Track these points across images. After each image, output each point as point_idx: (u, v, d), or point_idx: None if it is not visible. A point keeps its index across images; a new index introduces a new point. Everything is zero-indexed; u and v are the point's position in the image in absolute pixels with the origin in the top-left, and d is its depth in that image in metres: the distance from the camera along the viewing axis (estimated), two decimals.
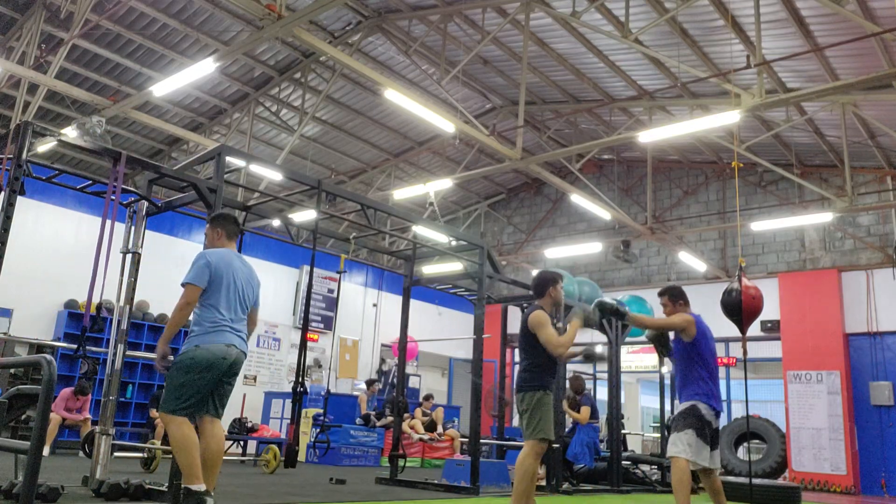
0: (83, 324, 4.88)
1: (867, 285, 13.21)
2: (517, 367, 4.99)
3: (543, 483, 8.20)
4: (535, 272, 5.15)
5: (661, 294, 5.20)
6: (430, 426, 12.51)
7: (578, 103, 13.68)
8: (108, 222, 4.75)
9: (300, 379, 5.97)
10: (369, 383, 13.03)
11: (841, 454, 12.45)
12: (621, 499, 8.06)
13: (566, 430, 9.43)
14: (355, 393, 13.47)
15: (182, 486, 3.87)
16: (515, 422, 17.87)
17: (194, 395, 3.98)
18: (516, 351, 17.80)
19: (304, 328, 6.47)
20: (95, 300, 4.75)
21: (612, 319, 5.20)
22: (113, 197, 4.85)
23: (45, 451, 7.60)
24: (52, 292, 11.32)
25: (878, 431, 12.62)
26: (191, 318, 4.18)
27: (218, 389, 4.11)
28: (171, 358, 4.12)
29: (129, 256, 5.37)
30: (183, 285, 4.10)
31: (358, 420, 12.18)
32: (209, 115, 13.83)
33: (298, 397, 6.00)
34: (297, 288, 15.16)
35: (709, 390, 4.81)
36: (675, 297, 5.07)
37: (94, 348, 10.33)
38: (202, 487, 3.83)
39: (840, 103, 11.14)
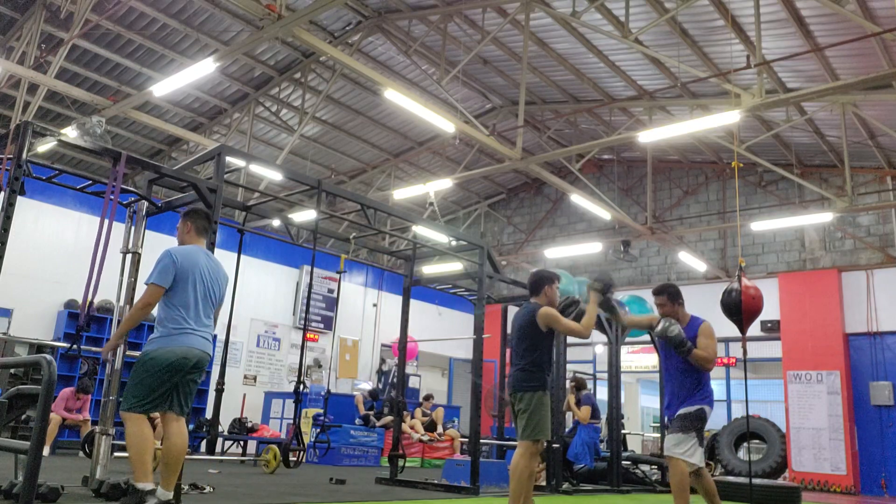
0: (78, 322, 4.89)
1: (867, 285, 13.21)
2: (513, 367, 4.90)
3: (543, 483, 8.21)
4: (532, 270, 5.08)
5: (657, 293, 5.00)
6: (430, 426, 12.50)
7: (578, 103, 13.68)
8: (107, 221, 4.74)
9: (301, 379, 5.99)
10: (373, 394, 13.03)
11: (841, 454, 12.45)
12: (621, 499, 8.06)
13: (567, 430, 9.43)
14: (355, 393, 13.48)
15: (129, 482, 3.91)
16: None
17: (152, 393, 3.98)
18: None
19: (305, 328, 6.48)
20: (97, 301, 4.76)
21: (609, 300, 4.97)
22: (112, 197, 4.85)
23: (45, 451, 7.60)
24: (52, 292, 11.32)
25: (878, 431, 12.62)
26: (155, 315, 4.18)
27: (182, 388, 4.10)
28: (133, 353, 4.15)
29: (128, 256, 5.37)
30: (146, 284, 4.07)
31: (357, 420, 12.19)
32: (209, 115, 13.83)
33: (299, 397, 6.02)
34: (297, 288, 15.16)
35: (712, 392, 4.80)
36: (673, 297, 4.93)
37: (94, 348, 10.34)
38: (148, 486, 3.88)
39: (840, 103, 11.13)
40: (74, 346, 5.11)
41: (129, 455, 3.96)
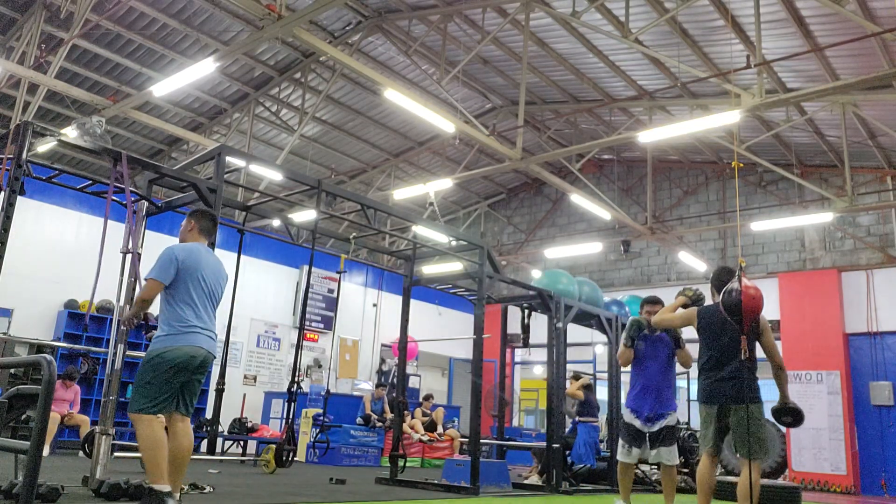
0: (84, 322, 4.91)
1: (867, 285, 13.20)
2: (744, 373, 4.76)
3: (543, 483, 8.20)
4: (719, 267, 5.12)
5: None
6: (430, 426, 12.49)
7: (578, 103, 13.68)
8: (118, 223, 4.75)
9: (295, 378, 6.00)
10: (378, 386, 13.02)
11: (841, 454, 12.44)
12: None
13: (567, 430, 9.43)
14: (356, 393, 13.46)
15: (146, 485, 3.87)
16: (515, 422, 17.84)
17: (162, 394, 3.95)
18: (517, 351, 17.92)
19: (301, 327, 6.49)
20: (97, 301, 4.76)
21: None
22: (121, 200, 4.86)
23: (45, 450, 7.59)
24: (52, 292, 11.31)
25: (878, 431, 12.61)
26: (159, 313, 4.15)
27: (188, 387, 4.09)
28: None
29: (128, 256, 5.36)
30: (146, 280, 4.08)
31: (359, 420, 12.18)
32: (209, 115, 13.83)
33: (293, 396, 6.02)
34: (297, 288, 15.16)
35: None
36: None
37: (94, 348, 10.33)
38: (165, 488, 3.83)
39: (840, 103, 11.14)
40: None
41: (142, 457, 3.93)
